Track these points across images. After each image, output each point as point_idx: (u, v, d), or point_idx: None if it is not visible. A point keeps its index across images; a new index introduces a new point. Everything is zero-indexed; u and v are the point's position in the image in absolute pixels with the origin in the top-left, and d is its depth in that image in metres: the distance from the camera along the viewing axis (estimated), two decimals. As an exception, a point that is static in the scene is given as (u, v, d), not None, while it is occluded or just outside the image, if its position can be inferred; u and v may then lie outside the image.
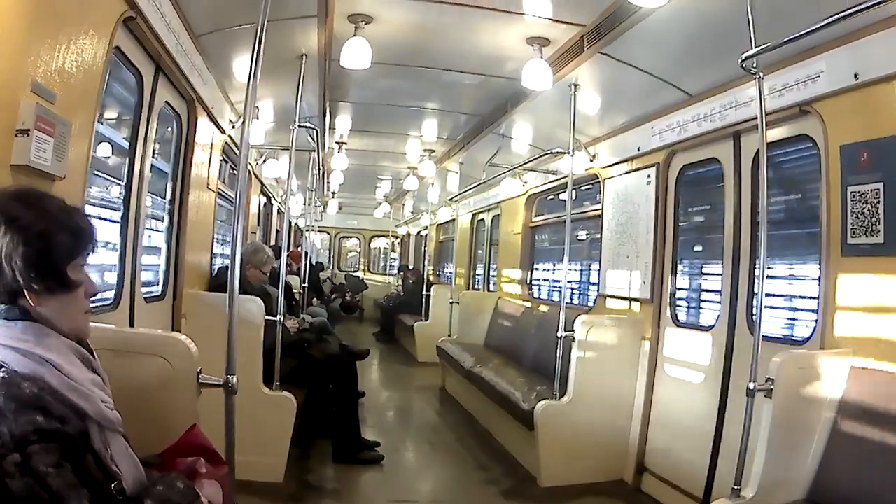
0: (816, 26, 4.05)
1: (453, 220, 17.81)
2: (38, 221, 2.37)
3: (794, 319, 6.13)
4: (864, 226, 4.76)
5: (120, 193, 5.56)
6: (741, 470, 4.59)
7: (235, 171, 9.85)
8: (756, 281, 5.44)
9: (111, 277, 5.47)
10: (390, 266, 30.09)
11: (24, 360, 2.28)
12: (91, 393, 2.45)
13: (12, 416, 2.10)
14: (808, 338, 5.52)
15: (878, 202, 4.66)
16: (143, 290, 6.09)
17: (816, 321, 5.41)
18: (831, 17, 3.91)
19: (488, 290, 15.56)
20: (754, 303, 5.84)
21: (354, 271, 29.41)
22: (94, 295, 2.67)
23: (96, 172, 4.96)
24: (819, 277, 5.40)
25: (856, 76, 4.84)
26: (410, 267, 23.06)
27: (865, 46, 4.76)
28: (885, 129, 4.64)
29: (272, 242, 15.74)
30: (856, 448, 4.43)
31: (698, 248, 7.49)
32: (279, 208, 17.02)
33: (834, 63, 5.06)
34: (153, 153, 6.07)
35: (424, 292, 16.60)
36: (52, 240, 2.39)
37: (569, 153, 8.02)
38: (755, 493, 4.44)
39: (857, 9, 3.72)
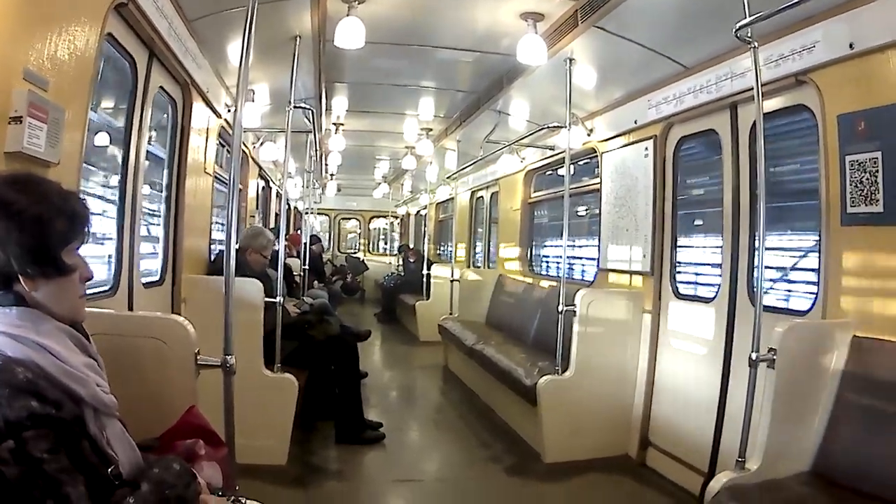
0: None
1: (452, 198, 17.75)
2: (34, 206, 2.36)
3: (794, 290, 6.12)
4: (864, 195, 4.76)
5: (117, 180, 5.54)
6: (745, 442, 4.61)
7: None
8: (756, 252, 5.43)
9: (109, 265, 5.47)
10: (391, 247, 30.05)
11: (19, 346, 2.28)
12: (86, 377, 2.44)
13: (6, 401, 2.10)
14: (810, 308, 5.52)
15: (877, 171, 4.66)
16: (142, 275, 6.08)
17: (817, 292, 5.41)
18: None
19: (489, 267, 15.61)
20: (755, 274, 5.84)
21: (354, 253, 29.36)
22: (90, 279, 2.65)
23: (90, 163, 4.96)
24: (819, 248, 5.40)
25: (851, 46, 4.83)
26: (411, 247, 23.03)
27: (861, 16, 4.75)
28: (883, 98, 4.63)
29: (271, 226, 15.71)
30: (859, 418, 4.45)
31: (698, 220, 7.48)
32: (277, 191, 16.99)
33: (829, 33, 5.04)
34: (149, 139, 6.05)
35: (425, 271, 16.60)
36: (47, 225, 2.38)
37: (566, 128, 8.01)
38: (759, 465, 4.45)
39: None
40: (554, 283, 9.70)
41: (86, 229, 2.58)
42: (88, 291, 2.70)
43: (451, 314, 13.40)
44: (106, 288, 5.34)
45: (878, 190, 4.66)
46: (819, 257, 5.40)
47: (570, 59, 7.42)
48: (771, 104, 5.71)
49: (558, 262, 10.69)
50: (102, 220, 5.41)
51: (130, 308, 5.62)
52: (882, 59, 4.63)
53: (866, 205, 4.74)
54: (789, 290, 6.18)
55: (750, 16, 4.50)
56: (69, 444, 2.24)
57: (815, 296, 5.49)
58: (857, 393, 4.52)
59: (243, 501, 3.12)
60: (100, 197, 5.42)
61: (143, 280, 6.11)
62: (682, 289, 7.42)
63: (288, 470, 6.78)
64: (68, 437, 2.25)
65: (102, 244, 5.45)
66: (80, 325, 2.67)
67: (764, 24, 4.53)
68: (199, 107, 7.22)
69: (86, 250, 2.61)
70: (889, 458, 4.14)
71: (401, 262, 22.10)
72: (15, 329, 2.31)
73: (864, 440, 4.36)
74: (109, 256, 5.50)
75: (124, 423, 2.66)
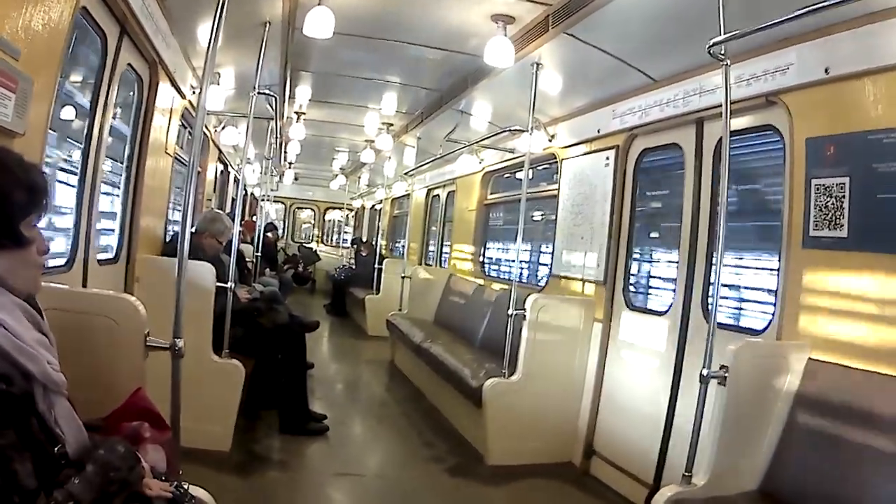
0: (788, 16, 4.08)
1: (408, 194, 17.80)
2: None
3: (750, 309, 6.16)
4: (828, 219, 4.81)
5: (78, 155, 5.49)
6: (692, 457, 4.65)
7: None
8: (713, 268, 5.47)
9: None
10: (343, 239, 29.99)
11: (-29, 319, 2.23)
12: (37, 354, 2.43)
13: (-42, 376, 2.06)
14: (765, 328, 5.55)
15: (844, 196, 4.70)
16: (97, 252, 6.03)
17: (774, 312, 5.44)
18: (804, 8, 3.93)
19: (441, 266, 15.57)
20: (710, 290, 5.87)
21: (308, 243, 29.27)
22: (46, 252, 2.64)
23: (54, 131, 4.89)
24: (778, 268, 5.43)
25: (826, 70, 4.87)
26: (364, 240, 23.00)
27: (838, 42, 4.80)
28: (854, 125, 4.68)
29: (227, 210, 15.65)
30: (810, 440, 4.50)
31: (655, 232, 7.52)
32: (235, 176, 16.92)
33: (804, 56, 5.09)
34: (114, 116, 6.00)
35: (377, 266, 16.52)
36: (6, 196, 2.37)
37: (527, 132, 8.01)
38: (706, 481, 4.49)
39: (830, 2, 3.75)
40: (505, 286, 9.70)
41: (45, 202, 2.56)
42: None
43: (400, 310, 13.40)
44: (61, 263, 5.29)
45: (843, 215, 4.70)
46: (777, 278, 5.43)
47: (538, 64, 7.43)
48: (739, 123, 5.74)
49: (511, 265, 10.70)
50: (62, 193, 5.36)
51: (84, 284, 5.56)
52: (857, 86, 4.67)
53: (830, 229, 4.79)
54: (745, 309, 6.22)
55: (725, 33, 4.53)
56: (18, 420, 2.23)
57: (771, 315, 5.52)
58: (808, 415, 4.57)
59: (186, 486, 3.09)
60: (62, 169, 5.37)
61: (99, 257, 6.06)
62: (635, 300, 7.45)
63: (231, 456, 6.76)
64: (17, 413, 2.24)
65: (62, 216, 5.40)
66: (34, 299, 2.65)
67: (737, 42, 4.56)
68: (164, 86, 7.17)
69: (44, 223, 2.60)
70: (837, 481, 4.18)
71: (353, 255, 22.01)
72: (-32, 301, 2.27)
73: (814, 462, 4.40)
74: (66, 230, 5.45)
75: (73, 402, 2.63)
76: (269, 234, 16.50)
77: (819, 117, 4.98)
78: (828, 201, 4.81)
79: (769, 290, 5.77)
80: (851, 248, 4.65)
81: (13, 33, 3.44)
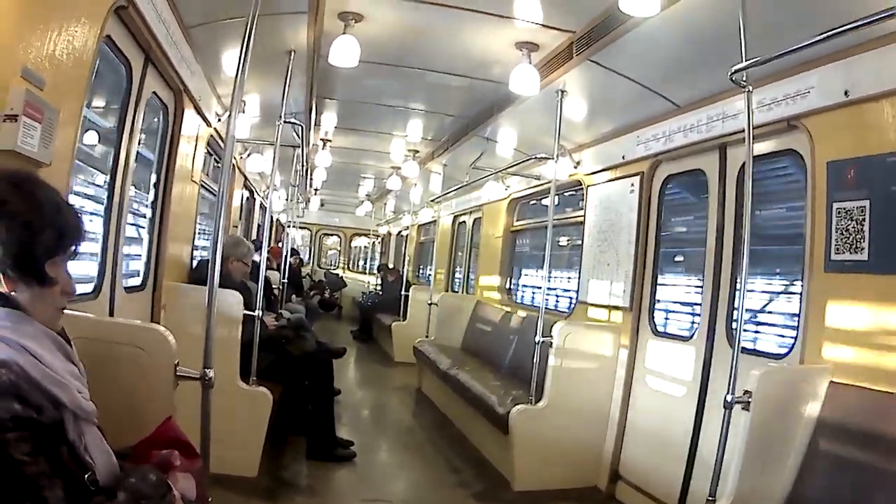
0: (809, 42, 4.06)
1: (434, 221, 17.77)
2: (27, 211, 2.35)
3: (773, 334, 6.13)
4: (849, 242, 4.77)
5: (104, 182, 5.53)
6: (716, 481, 4.62)
7: (219, 165, 9.82)
8: (737, 294, 5.45)
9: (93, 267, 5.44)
10: (370, 266, 29.99)
11: (2, 347, 2.25)
12: (67, 383, 2.42)
13: (-11, 403, 2.08)
14: (788, 352, 5.53)
15: (864, 219, 4.68)
16: (124, 280, 6.06)
17: (796, 336, 5.41)
18: (824, 33, 3.91)
19: (467, 292, 15.53)
20: (734, 316, 5.85)
21: (334, 269, 29.27)
22: (71, 295, 2.62)
23: (80, 161, 4.92)
24: (801, 292, 5.39)
25: (846, 93, 4.85)
26: (390, 266, 22.99)
27: (857, 64, 4.78)
28: (874, 147, 4.66)
29: (254, 237, 15.69)
30: (832, 464, 4.46)
31: (680, 258, 7.50)
32: (261, 203, 16.96)
33: (824, 79, 5.08)
34: (139, 143, 6.03)
35: (403, 292, 16.49)
36: (36, 233, 2.36)
37: (553, 159, 8.00)
38: (730, 505, 4.45)
39: (849, 26, 3.73)
40: (532, 313, 9.69)
41: (74, 246, 2.57)
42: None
43: (427, 337, 13.37)
44: (88, 290, 5.30)
45: (863, 238, 4.67)
46: (800, 302, 5.40)
47: (562, 91, 7.44)
48: (761, 147, 5.71)
49: (537, 292, 10.68)
50: (89, 221, 5.38)
51: (111, 312, 5.58)
52: (876, 108, 4.65)
53: (851, 252, 4.75)
54: (768, 333, 6.19)
55: (746, 59, 4.52)
56: (48, 448, 2.22)
57: (793, 340, 5.49)
58: (831, 439, 4.53)
59: (215, 513, 3.10)
60: (87, 196, 5.39)
61: (126, 284, 6.09)
62: (660, 326, 7.42)
63: (258, 482, 6.75)
64: (48, 441, 2.23)
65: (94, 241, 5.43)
66: (63, 329, 2.65)
67: (759, 67, 4.56)
68: (190, 114, 7.21)
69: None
70: (859, 505, 4.16)
71: (379, 282, 21.97)
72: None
73: (836, 485, 4.36)
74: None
75: (103, 430, 2.64)
76: (292, 260, 16.49)
77: (840, 140, 4.97)
78: (849, 224, 4.79)
79: (792, 315, 5.75)
80: (873, 270, 4.62)
81: (38, 63, 3.46)
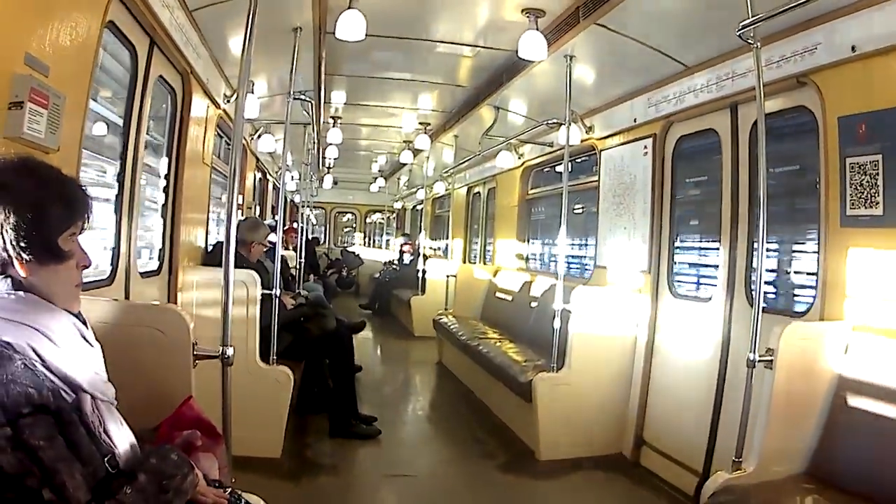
0: (814, -4, 4.04)
1: (449, 194, 17.74)
2: (32, 191, 2.35)
3: (792, 291, 6.12)
4: (863, 197, 4.76)
5: (115, 169, 5.52)
6: (741, 443, 4.62)
7: (230, 146, 9.83)
8: (755, 252, 5.42)
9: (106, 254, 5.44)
10: (385, 242, 30.00)
11: (17, 332, 2.25)
12: (84, 365, 2.44)
13: (3, 388, 2.07)
14: (807, 310, 5.51)
15: (877, 174, 4.67)
16: (140, 265, 6.07)
17: (815, 293, 5.40)
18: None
19: (485, 263, 15.53)
20: (753, 275, 5.83)
21: (350, 246, 29.29)
22: (87, 267, 2.62)
23: (89, 150, 4.91)
24: (817, 249, 5.38)
25: (853, 48, 4.83)
26: (409, 234, 23.01)
27: (864, 18, 4.74)
28: (884, 101, 4.63)
29: (268, 218, 15.70)
30: (856, 420, 4.46)
31: (696, 219, 7.46)
32: (274, 184, 16.97)
33: (831, 35, 5.04)
34: (147, 129, 6.02)
35: (420, 266, 16.52)
36: (44, 210, 2.36)
37: (565, 125, 7.99)
38: (756, 466, 4.46)
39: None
40: (550, 280, 9.67)
41: (85, 216, 2.55)
42: (86, 280, 2.68)
43: (446, 309, 13.42)
44: (103, 276, 5.31)
45: (878, 192, 4.66)
46: (817, 259, 5.39)
47: (571, 56, 7.41)
48: (771, 105, 5.65)
49: (555, 259, 10.66)
50: (101, 209, 5.38)
51: (127, 297, 5.59)
52: (884, 63, 4.62)
53: (866, 207, 4.74)
54: (787, 291, 6.17)
55: (753, 16, 4.50)
56: (66, 432, 2.22)
57: (812, 297, 5.48)
58: (854, 394, 4.52)
59: (239, 494, 3.09)
60: (100, 185, 5.39)
61: (141, 270, 6.10)
62: (680, 288, 7.40)
63: (282, 462, 6.79)
64: (66, 424, 2.23)
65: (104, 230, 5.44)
66: (79, 311, 2.64)
67: (766, 24, 4.54)
68: (198, 97, 7.20)
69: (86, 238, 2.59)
70: (886, 461, 4.15)
71: (398, 257, 21.92)
72: (13, 315, 2.29)
73: (861, 442, 4.37)
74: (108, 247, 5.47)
75: (122, 412, 2.63)
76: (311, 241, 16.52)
77: (850, 96, 4.94)
78: (862, 179, 4.77)
79: (811, 273, 5.73)
80: (888, 224, 4.61)
81: (41, 50, 3.45)
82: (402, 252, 21.15)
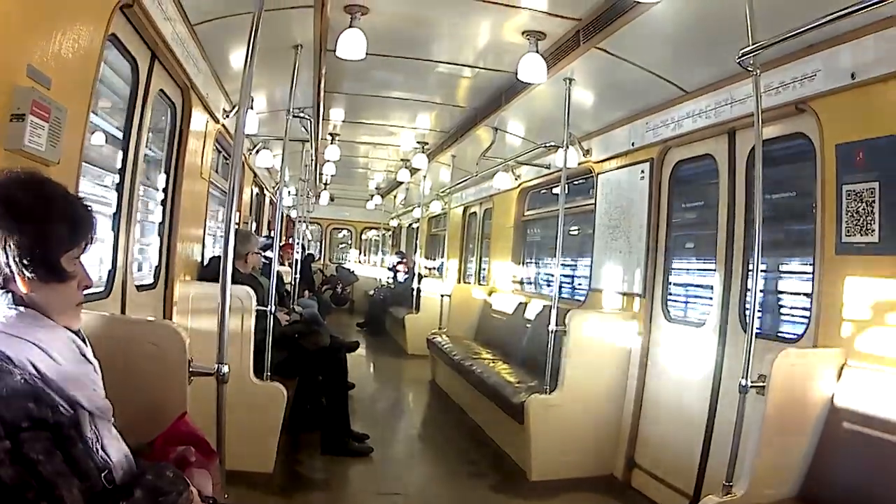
0: (814, 24, 4.07)
1: (445, 213, 17.77)
2: (38, 209, 2.36)
3: (785, 317, 6.13)
4: (859, 224, 4.78)
5: (113, 182, 5.53)
6: (732, 466, 4.61)
7: (228, 161, 9.85)
8: (750, 278, 5.45)
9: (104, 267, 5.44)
10: (381, 259, 30.01)
11: (17, 347, 2.25)
12: (83, 381, 2.44)
13: (4, 402, 2.08)
14: (801, 335, 5.53)
15: (874, 201, 4.68)
16: (136, 278, 6.07)
17: (809, 319, 5.41)
18: (829, 15, 3.93)
19: (479, 283, 15.51)
20: (747, 300, 5.85)
21: (345, 263, 29.24)
22: (89, 287, 2.63)
23: (89, 163, 4.91)
24: (812, 275, 5.40)
25: (852, 76, 4.86)
26: (403, 252, 23.01)
27: (863, 46, 4.78)
28: (882, 129, 4.66)
29: (265, 233, 15.72)
30: (848, 446, 4.47)
31: (691, 244, 7.48)
32: (271, 199, 16.99)
33: (831, 62, 5.08)
34: (146, 142, 6.03)
35: (415, 285, 16.50)
36: (49, 229, 2.36)
37: (563, 147, 8.01)
38: (746, 490, 4.45)
39: (854, 8, 3.74)
40: (545, 302, 9.68)
41: (88, 237, 2.56)
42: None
43: (440, 328, 13.40)
44: (100, 290, 5.31)
45: (874, 220, 4.68)
46: (812, 285, 5.40)
47: (570, 79, 7.45)
48: (769, 131, 5.67)
49: (550, 281, 10.68)
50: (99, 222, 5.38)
51: (123, 311, 5.60)
52: (883, 90, 4.65)
53: (861, 234, 4.76)
54: (781, 317, 6.19)
55: (753, 43, 4.52)
56: (64, 447, 2.23)
57: (806, 323, 5.49)
58: (845, 421, 4.54)
59: (232, 509, 3.10)
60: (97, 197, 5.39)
61: (137, 283, 6.10)
62: (674, 312, 7.41)
63: (274, 478, 6.76)
64: (64, 440, 2.24)
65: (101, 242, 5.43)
66: (79, 328, 2.65)
67: (766, 51, 4.55)
68: (197, 111, 7.21)
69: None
70: (875, 486, 4.17)
71: (392, 275, 21.91)
72: (14, 329, 2.29)
73: (852, 467, 4.39)
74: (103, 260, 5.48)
75: (118, 427, 2.64)
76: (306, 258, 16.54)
77: (848, 123, 4.97)
78: (859, 206, 4.79)
79: (805, 297, 5.74)
80: (884, 252, 4.63)
81: (43, 62, 3.46)
82: (395, 270, 21.13)
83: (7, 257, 2.28)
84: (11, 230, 2.27)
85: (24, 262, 2.31)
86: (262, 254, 8.26)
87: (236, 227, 10.47)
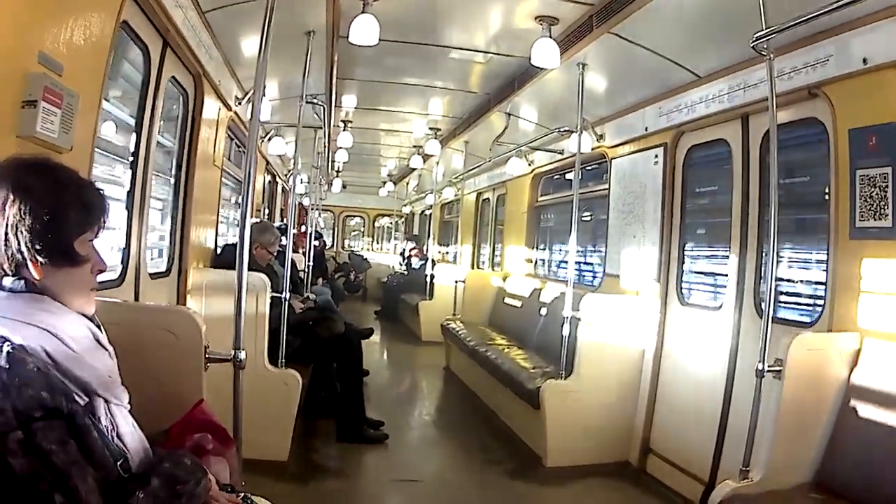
0: (828, 8, 4.04)
1: (458, 199, 17.75)
2: (50, 193, 2.34)
3: (800, 302, 6.12)
4: (873, 209, 4.76)
5: (126, 170, 5.53)
6: (749, 452, 4.63)
7: (240, 149, 9.84)
8: (765, 262, 5.43)
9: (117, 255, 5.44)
10: (394, 247, 29.97)
11: (30, 334, 2.24)
12: (97, 368, 2.43)
13: (16, 392, 2.06)
14: (816, 320, 5.50)
15: (887, 186, 4.67)
16: (149, 266, 6.08)
17: (824, 303, 5.40)
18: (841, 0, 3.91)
19: (493, 269, 15.52)
20: (762, 285, 5.84)
21: (358, 251, 29.23)
22: (102, 271, 2.62)
23: (102, 151, 4.91)
24: (827, 260, 5.38)
25: (864, 61, 4.83)
26: (416, 236, 22.97)
27: (875, 31, 4.75)
28: (894, 115, 4.63)
29: (277, 220, 15.71)
30: (864, 430, 4.44)
31: (705, 228, 7.46)
32: (283, 187, 16.99)
33: (843, 47, 5.04)
34: (159, 130, 6.03)
35: (429, 271, 16.50)
36: (61, 213, 2.35)
37: (576, 132, 7.99)
38: (762, 475, 4.45)
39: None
40: (560, 287, 9.66)
41: (101, 221, 2.54)
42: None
43: (454, 315, 13.39)
44: (113, 277, 5.30)
45: (887, 205, 4.66)
46: (826, 270, 5.39)
47: (583, 64, 7.41)
48: (782, 116, 5.60)
49: (564, 266, 10.66)
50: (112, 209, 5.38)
51: (136, 299, 5.60)
52: (895, 76, 4.62)
53: (875, 219, 4.75)
54: (795, 301, 6.17)
55: (767, 28, 4.50)
56: (79, 435, 2.21)
57: (821, 307, 5.47)
58: (862, 405, 4.52)
59: (251, 498, 3.09)
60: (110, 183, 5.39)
61: (150, 271, 6.11)
62: (688, 296, 7.38)
63: (289, 466, 6.78)
64: (78, 428, 2.22)
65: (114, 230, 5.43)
66: (93, 314, 2.64)
67: (779, 36, 4.53)
68: (210, 98, 7.20)
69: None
70: (891, 471, 4.14)
71: (406, 261, 21.86)
72: (26, 317, 2.28)
73: (869, 452, 4.36)
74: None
75: (134, 415, 2.63)
76: (316, 243, 16.51)
77: (860, 108, 4.94)
78: (872, 191, 4.77)
79: (819, 284, 5.72)
80: (897, 237, 4.61)
81: (55, 49, 3.45)
82: (409, 257, 21.13)
83: (19, 243, 2.27)
84: (24, 215, 2.26)
85: (37, 246, 2.30)
86: (270, 252, 8.21)
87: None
